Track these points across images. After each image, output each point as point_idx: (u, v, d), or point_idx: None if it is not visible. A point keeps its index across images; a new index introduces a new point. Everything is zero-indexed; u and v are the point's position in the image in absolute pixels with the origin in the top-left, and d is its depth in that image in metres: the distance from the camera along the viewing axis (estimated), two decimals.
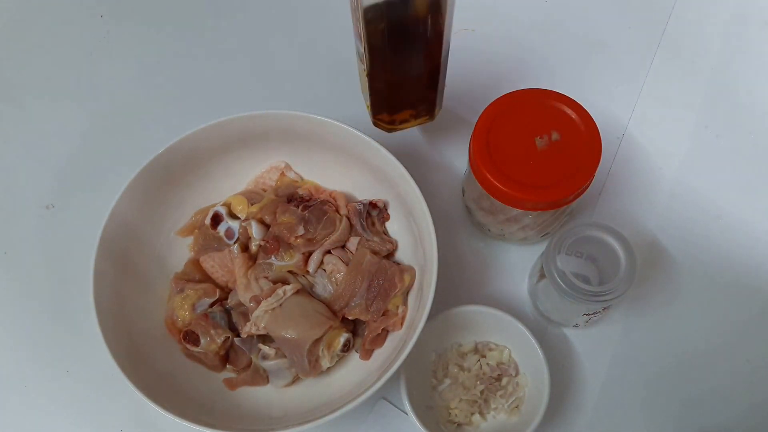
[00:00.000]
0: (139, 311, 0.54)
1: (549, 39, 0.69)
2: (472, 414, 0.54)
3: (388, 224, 0.58)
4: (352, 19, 0.49)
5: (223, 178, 0.59)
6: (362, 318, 0.53)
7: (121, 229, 0.53)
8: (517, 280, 0.59)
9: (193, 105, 0.67)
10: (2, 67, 0.71)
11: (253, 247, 0.55)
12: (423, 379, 0.55)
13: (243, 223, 0.55)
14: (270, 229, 0.55)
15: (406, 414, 0.51)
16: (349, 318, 0.53)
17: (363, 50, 0.48)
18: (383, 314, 0.53)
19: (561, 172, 0.49)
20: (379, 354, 0.53)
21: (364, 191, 0.59)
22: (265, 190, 0.59)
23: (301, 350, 0.50)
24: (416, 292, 0.53)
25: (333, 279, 0.54)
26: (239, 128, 0.55)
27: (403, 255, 0.57)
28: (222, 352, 0.54)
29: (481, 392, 0.54)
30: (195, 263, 0.57)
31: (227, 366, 0.55)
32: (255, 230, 0.55)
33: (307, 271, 0.54)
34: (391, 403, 0.56)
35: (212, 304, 0.55)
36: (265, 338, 0.54)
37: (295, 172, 0.60)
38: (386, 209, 0.58)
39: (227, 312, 0.55)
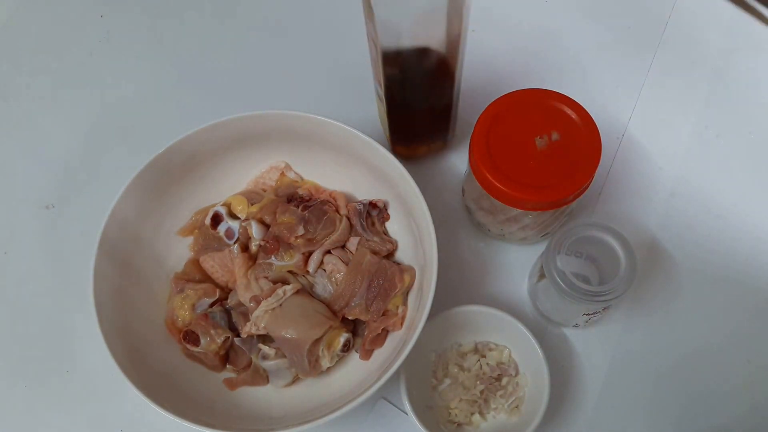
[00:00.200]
0: (139, 311, 0.54)
1: (549, 39, 0.69)
2: (472, 414, 0.54)
3: (388, 224, 0.58)
4: (371, 63, 0.51)
5: (223, 178, 0.59)
6: (362, 318, 0.53)
7: (121, 229, 0.53)
8: (517, 280, 0.59)
9: (193, 105, 0.67)
10: (2, 67, 0.71)
11: (253, 247, 0.55)
12: (423, 379, 0.55)
13: (243, 223, 0.55)
14: (270, 229, 0.55)
15: (406, 414, 0.51)
16: (349, 318, 0.53)
17: (381, 89, 0.51)
18: (383, 314, 0.53)
19: (561, 172, 0.49)
20: (379, 354, 0.53)
21: (364, 191, 0.59)
22: (265, 190, 0.59)
23: (301, 350, 0.50)
24: (416, 292, 0.53)
25: (333, 279, 0.54)
26: (239, 128, 0.55)
27: (403, 255, 0.57)
28: (222, 352, 0.54)
29: (481, 392, 0.54)
30: (195, 263, 0.57)
31: (227, 366, 0.55)
32: (255, 230, 0.55)
33: (307, 271, 0.54)
34: (391, 403, 0.56)
35: (212, 304, 0.55)
36: (265, 338, 0.54)
37: (295, 172, 0.60)
38: (386, 209, 0.58)
39: (227, 312, 0.55)
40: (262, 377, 0.54)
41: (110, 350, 0.48)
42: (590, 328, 0.58)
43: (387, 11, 0.42)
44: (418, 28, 0.44)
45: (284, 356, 0.52)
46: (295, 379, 0.54)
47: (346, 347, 0.52)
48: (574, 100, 0.51)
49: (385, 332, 0.54)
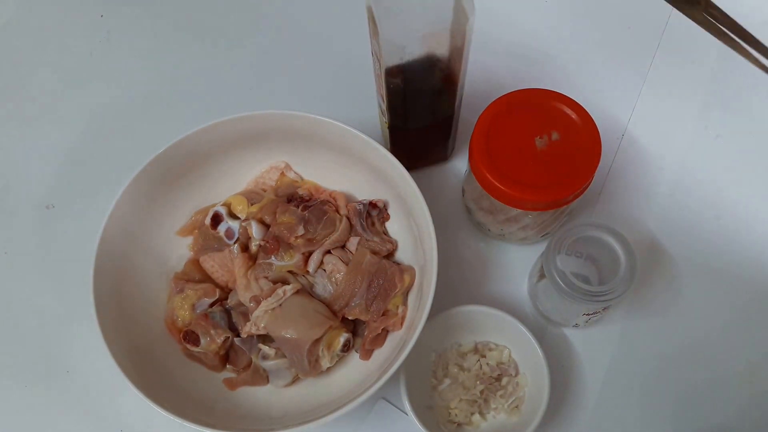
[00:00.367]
0: (139, 311, 0.54)
1: (549, 39, 0.69)
2: (472, 414, 0.54)
3: (388, 224, 0.58)
4: (374, 78, 0.52)
5: (223, 178, 0.59)
6: (362, 318, 0.53)
7: (121, 229, 0.53)
8: (517, 280, 0.59)
9: (193, 105, 0.67)
10: (2, 67, 0.71)
11: (253, 247, 0.55)
12: (423, 379, 0.55)
13: (243, 223, 0.55)
14: (270, 229, 0.55)
15: (406, 414, 0.51)
16: (349, 318, 0.53)
17: (384, 105, 0.52)
18: (383, 314, 0.53)
19: (561, 172, 0.49)
20: (379, 354, 0.53)
21: (364, 191, 0.59)
22: (265, 190, 0.59)
23: (301, 350, 0.50)
24: (416, 292, 0.54)
25: (333, 279, 0.54)
26: (239, 128, 0.55)
27: (403, 255, 0.57)
28: (222, 352, 0.54)
29: (481, 392, 0.54)
30: (195, 263, 0.57)
31: (227, 366, 0.55)
32: (255, 230, 0.55)
33: (307, 271, 0.54)
34: (391, 403, 0.56)
35: (212, 304, 0.55)
36: (265, 338, 0.54)
37: (295, 172, 0.60)
38: (386, 209, 0.58)
39: (227, 312, 0.55)
40: (262, 377, 0.54)
41: (110, 350, 0.48)
42: (590, 328, 0.58)
43: (392, 31, 0.43)
44: (422, 44, 0.46)
45: (284, 356, 0.52)
46: (295, 379, 0.54)
47: (346, 347, 0.52)
48: (574, 100, 0.51)
49: (385, 332, 0.54)
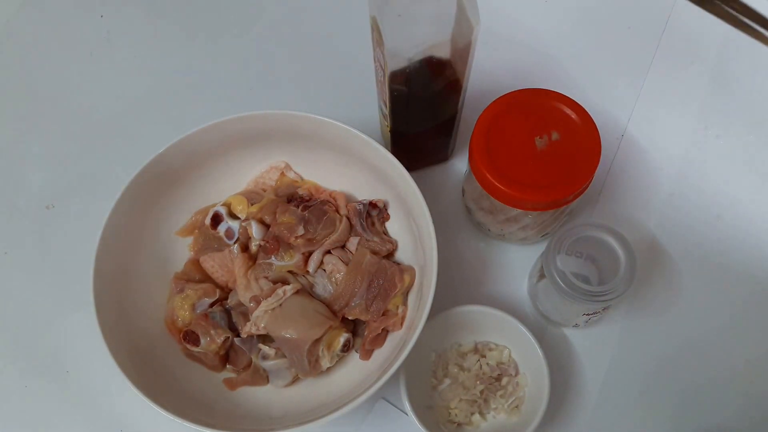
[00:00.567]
0: (139, 311, 0.54)
1: (548, 39, 0.69)
2: (472, 414, 0.54)
3: (388, 224, 0.58)
4: (376, 84, 0.52)
5: (223, 178, 0.59)
6: (362, 318, 0.53)
7: (122, 229, 0.53)
8: (517, 280, 0.59)
9: (193, 105, 0.67)
10: (2, 67, 0.71)
11: (253, 247, 0.55)
12: (423, 379, 0.55)
13: (243, 223, 0.55)
14: (270, 229, 0.55)
15: (406, 414, 0.51)
16: (349, 318, 0.53)
17: (386, 110, 0.52)
18: (383, 314, 0.53)
19: (561, 172, 0.49)
20: (379, 354, 0.53)
21: (364, 191, 0.59)
22: (265, 190, 0.59)
23: (301, 350, 0.51)
24: (416, 292, 0.54)
25: (333, 279, 0.54)
26: (239, 128, 0.55)
27: (403, 255, 0.57)
28: (222, 352, 0.54)
29: (481, 392, 0.54)
30: (195, 263, 0.57)
31: (227, 366, 0.55)
32: (255, 230, 0.55)
33: (307, 271, 0.54)
34: (391, 403, 0.56)
35: (212, 304, 0.55)
36: (265, 338, 0.54)
37: (295, 172, 0.60)
38: (386, 209, 0.58)
39: (227, 312, 0.55)
40: (262, 377, 0.54)
41: (110, 350, 0.48)
42: (590, 328, 0.58)
43: (397, 41, 0.44)
44: (426, 53, 0.46)
45: (284, 356, 0.52)
46: (295, 379, 0.54)
47: (346, 347, 0.52)
48: (574, 100, 0.51)
49: (385, 332, 0.54)
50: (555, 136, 0.50)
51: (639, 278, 0.58)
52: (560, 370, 0.56)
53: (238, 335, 0.54)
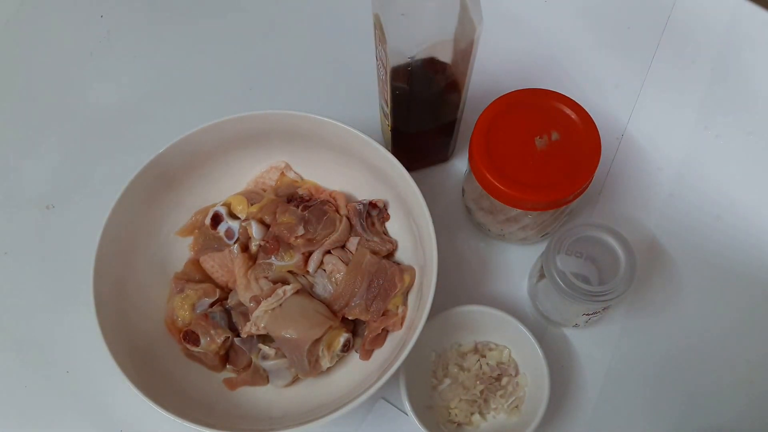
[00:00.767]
0: (139, 311, 0.54)
1: (548, 39, 0.69)
2: (472, 414, 0.54)
3: (388, 224, 0.58)
4: (377, 81, 0.52)
5: (223, 178, 0.59)
6: (362, 318, 0.53)
7: (121, 229, 0.53)
8: (517, 280, 0.59)
9: (193, 105, 0.67)
10: (2, 67, 0.71)
11: (253, 247, 0.55)
12: (423, 379, 0.55)
13: (243, 223, 0.55)
14: (270, 229, 0.55)
15: (406, 414, 0.51)
16: (349, 318, 0.53)
17: (387, 109, 0.52)
18: (383, 314, 0.53)
19: (561, 172, 0.49)
20: (379, 354, 0.53)
21: (364, 191, 0.59)
22: (265, 190, 0.59)
23: (301, 350, 0.50)
24: (416, 292, 0.54)
25: (333, 279, 0.54)
26: (239, 128, 0.55)
27: (403, 255, 0.57)
28: (222, 352, 0.54)
29: (481, 392, 0.54)
30: (195, 263, 0.57)
31: (227, 366, 0.55)
32: (255, 230, 0.55)
33: (307, 271, 0.54)
34: (391, 403, 0.56)
35: (212, 304, 0.55)
36: (265, 338, 0.54)
37: (295, 172, 0.60)
38: (386, 209, 0.58)
39: (227, 312, 0.55)
40: (262, 377, 0.54)
41: (110, 350, 0.48)
42: (590, 328, 0.58)
43: (399, 39, 0.44)
44: (428, 52, 0.46)
45: (284, 356, 0.52)
46: (295, 379, 0.54)
47: (346, 347, 0.52)
48: (573, 100, 0.52)
49: (385, 332, 0.54)
50: (555, 136, 0.50)
51: (639, 278, 0.58)
52: (560, 370, 0.56)
53: (238, 335, 0.54)
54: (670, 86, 0.67)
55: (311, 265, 0.54)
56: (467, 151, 0.53)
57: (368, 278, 0.53)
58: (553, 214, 0.54)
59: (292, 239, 0.54)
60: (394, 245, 0.57)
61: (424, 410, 0.53)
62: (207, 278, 0.57)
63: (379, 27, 0.45)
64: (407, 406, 0.51)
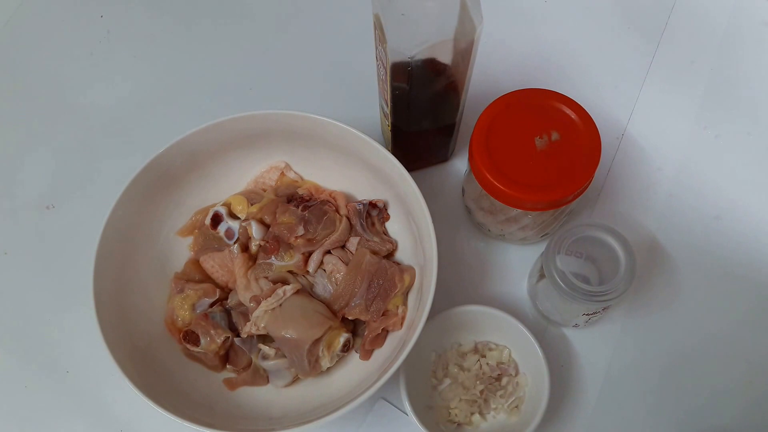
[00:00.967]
0: (139, 311, 0.54)
1: (548, 39, 0.69)
2: (472, 414, 0.54)
3: (388, 224, 0.58)
4: (377, 81, 0.52)
5: (223, 178, 0.59)
6: (362, 318, 0.53)
7: (121, 229, 0.53)
8: (517, 280, 0.59)
9: (193, 105, 0.67)
10: (2, 67, 0.71)
11: (253, 247, 0.55)
12: (423, 379, 0.55)
13: (243, 223, 0.55)
14: (270, 229, 0.55)
15: (406, 414, 0.51)
16: (349, 318, 0.53)
17: (387, 109, 0.52)
18: (383, 314, 0.53)
19: (561, 172, 0.49)
20: (379, 354, 0.53)
21: (364, 191, 0.59)
22: (265, 190, 0.59)
23: (300, 350, 0.50)
24: (416, 292, 0.54)
25: (333, 279, 0.54)
26: (239, 128, 0.55)
27: (403, 255, 0.57)
28: (222, 352, 0.54)
29: (481, 392, 0.54)
30: (195, 263, 0.57)
31: (227, 366, 0.55)
32: (255, 230, 0.55)
33: (307, 271, 0.54)
34: (391, 404, 0.56)
35: (212, 304, 0.55)
36: (265, 338, 0.54)
37: (295, 172, 0.60)
38: (386, 209, 0.58)
39: (227, 312, 0.55)
40: (262, 377, 0.54)
41: (110, 350, 0.48)
42: (590, 328, 0.58)
43: (399, 39, 0.44)
44: (428, 52, 0.46)
45: (284, 356, 0.52)
46: (295, 379, 0.54)
47: (346, 347, 0.52)
48: (573, 100, 0.52)
49: (385, 332, 0.54)
50: (555, 136, 0.50)
51: (639, 278, 0.58)
52: (560, 370, 0.56)
53: (238, 335, 0.54)
54: (670, 86, 0.67)
55: (311, 265, 0.54)
56: (467, 151, 0.53)
57: (368, 278, 0.53)
58: (553, 214, 0.54)
59: (292, 239, 0.54)
60: (394, 245, 0.57)
61: (424, 410, 0.53)
62: (207, 278, 0.57)
63: (379, 27, 0.45)
64: (407, 406, 0.51)
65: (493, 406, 0.54)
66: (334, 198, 0.57)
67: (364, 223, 0.56)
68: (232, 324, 0.54)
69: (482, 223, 0.59)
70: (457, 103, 0.54)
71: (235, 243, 0.55)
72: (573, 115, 0.51)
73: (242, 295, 0.54)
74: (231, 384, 0.54)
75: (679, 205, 0.62)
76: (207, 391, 0.53)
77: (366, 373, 0.52)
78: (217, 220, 0.56)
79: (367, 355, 0.53)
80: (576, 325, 0.57)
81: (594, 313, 0.52)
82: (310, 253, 0.55)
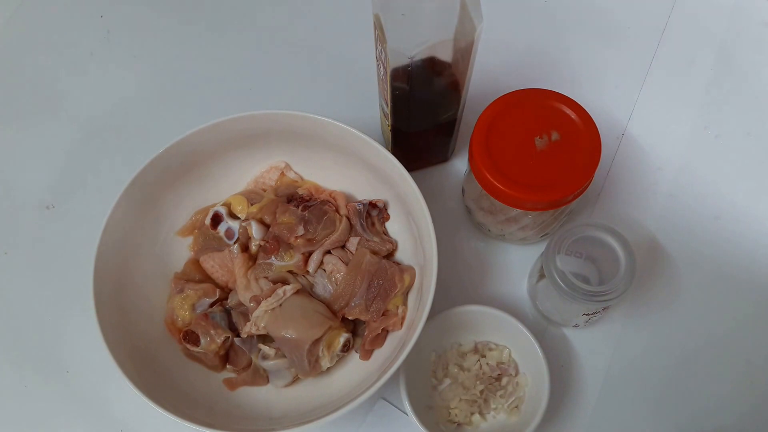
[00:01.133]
0: (139, 311, 0.54)
1: (548, 39, 0.69)
2: (472, 414, 0.54)
3: (388, 224, 0.58)
4: (378, 82, 0.52)
5: (223, 178, 0.59)
6: (362, 318, 0.53)
7: (121, 229, 0.53)
8: (517, 280, 0.59)
9: (193, 105, 0.67)
10: (2, 67, 0.71)
11: (253, 247, 0.55)
12: (423, 379, 0.55)
13: (243, 223, 0.55)
14: (270, 229, 0.55)
15: (406, 414, 0.51)
16: (349, 318, 0.53)
17: (387, 109, 0.53)
18: (383, 314, 0.53)
19: (561, 172, 0.49)
20: (379, 354, 0.53)
21: (364, 191, 0.59)
22: (265, 190, 0.59)
23: (300, 350, 0.50)
24: (416, 292, 0.54)
25: (333, 279, 0.54)
26: (239, 128, 0.55)
27: (403, 255, 0.57)
28: (222, 352, 0.54)
29: (481, 392, 0.54)
30: (195, 263, 0.57)
31: (227, 366, 0.55)
32: (255, 230, 0.55)
33: (307, 271, 0.54)
34: (391, 404, 0.56)
35: (212, 304, 0.55)
36: (265, 338, 0.54)
37: (295, 172, 0.60)
38: (386, 209, 0.58)
39: (227, 312, 0.55)
40: (262, 377, 0.54)
41: (110, 350, 0.48)
42: (590, 328, 0.58)
43: (399, 39, 0.44)
44: (428, 52, 0.46)
45: (284, 356, 0.52)
46: (295, 379, 0.54)
47: (346, 347, 0.52)
48: (573, 100, 0.52)
49: (385, 332, 0.54)
50: (555, 136, 0.50)
51: (639, 278, 0.58)
52: (560, 370, 0.56)
53: (238, 335, 0.54)
54: (670, 86, 0.67)
55: (311, 265, 0.54)
56: (467, 151, 0.53)
57: (368, 278, 0.53)
58: (553, 214, 0.54)
59: (292, 239, 0.54)
60: (394, 245, 0.57)
61: (424, 410, 0.53)
62: (207, 278, 0.57)
63: (379, 27, 0.45)
64: (407, 406, 0.51)
65: (493, 406, 0.54)
66: (334, 198, 0.57)
67: (364, 223, 0.56)
68: (232, 324, 0.54)
69: (482, 223, 0.59)
70: (457, 103, 0.54)
71: (235, 243, 0.55)
72: (573, 115, 0.51)
73: (242, 295, 0.54)
74: (231, 384, 0.54)
75: (679, 206, 0.62)
76: (207, 391, 0.53)
77: (366, 373, 0.52)
78: (217, 220, 0.56)
79: (367, 355, 0.53)
80: (576, 325, 0.57)
81: (594, 313, 0.52)
82: (310, 253, 0.55)
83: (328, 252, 0.55)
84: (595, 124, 0.51)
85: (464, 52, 0.47)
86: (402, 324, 0.53)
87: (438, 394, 0.55)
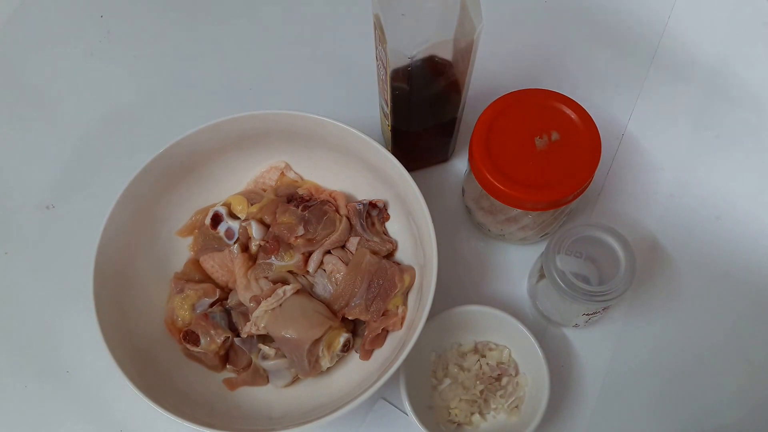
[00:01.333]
0: (139, 311, 0.54)
1: (548, 39, 0.69)
2: (472, 414, 0.54)
3: (388, 224, 0.58)
4: (377, 82, 0.52)
5: (223, 178, 0.59)
6: (362, 318, 0.53)
7: (121, 229, 0.53)
8: (517, 280, 0.59)
9: (193, 105, 0.67)
10: (2, 67, 0.71)
11: (253, 247, 0.55)
12: (423, 379, 0.55)
13: (243, 223, 0.55)
14: (270, 229, 0.55)
15: (406, 414, 0.51)
16: (349, 318, 0.53)
17: (387, 109, 0.53)
18: (383, 314, 0.53)
19: (561, 172, 0.49)
20: (379, 354, 0.53)
21: (364, 191, 0.59)
22: (265, 190, 0.59)
23: (300, 350, 0.50)
24: (416, 292, 0.54)
25: (333, 279, 0.54)
26: (239, 128, 0.55)
27: (403, 255, 0.57)
28: (222, 352, 0.54)
29: (481, 392, 0.54)
30: (195, 263, 0.57)
31: (227, 366, 0.55)
32: (255, 230, 0.55)
33: (307, 271, 0.54)
34: (391, 404, 0.56)
35: (212, 304, 0.55)
36: (265, 338, 0.54)
37: (295, 172, 0.60)
38: (386, 209, 0.58)
39: (227, 312, 0.55)
40: (262, 377, 0.54)
41: (110, 350, 0.48)
42: (590, 328, 0.58)
43: (399, 39, 0.44)
44: (428, 52, 0.46)
45: (284, 356, 0.52)
46: (295, 379, 0.54)
47: (346, 347, 0.52)
48: (573, 100, 0.52)
49: (385, 332, 0.54)
50: (555, 136, 0.50)
51: (639, 278, 0.58)
52: (560, 370, 0.56)
53: (238, 335, 0.54)
54: (670, 86, 0.67)
55: (311, 265, 0.54)
56: (467, 151, 0.53)
57: (368, 278, 0.53)
58: (553, 214, 0.54)
59: (292, 239, 0.54)
60: (394, 245, 0.57)
61: (424, 410, 0.53)
62: (207, 278, 0.57)
63: (379, 27, 0.45)
64: (407, 406, 0.51)
65: (493, 406, 0.54)
66: (334, 198, 0.57)
67: (364, 223, 0.56)
68: (232, 324, 0.54)
69: (482, 223, 0.59)
70: (457, 103, 0.54)
71: (235, 243, 0.55)
72: (573, 115, 0.51)
73: (242, 295, 0.54)
74: (231, 384, 0.54)
75: (679, 206, 0.62)
76: (207, 391, 0.53)
77: (366, 373, 0.52)
78: (217, 220, 0.56)
79: (367, 355, 0.53)
80: (576, 325, 0.57)
81: (594, 313, 0.52)
82: (310, 253, 0.55)
83: (328, 252, 0.55)
84: (595, 124, 0.51)
85: (464, 52, 0.47)
86: (402, 324, 0.53)
87: (438, 394, 0.55)
